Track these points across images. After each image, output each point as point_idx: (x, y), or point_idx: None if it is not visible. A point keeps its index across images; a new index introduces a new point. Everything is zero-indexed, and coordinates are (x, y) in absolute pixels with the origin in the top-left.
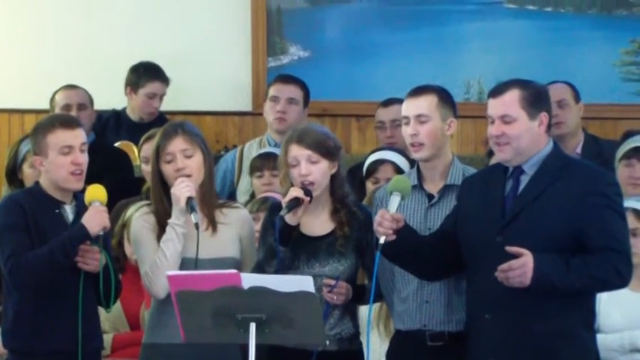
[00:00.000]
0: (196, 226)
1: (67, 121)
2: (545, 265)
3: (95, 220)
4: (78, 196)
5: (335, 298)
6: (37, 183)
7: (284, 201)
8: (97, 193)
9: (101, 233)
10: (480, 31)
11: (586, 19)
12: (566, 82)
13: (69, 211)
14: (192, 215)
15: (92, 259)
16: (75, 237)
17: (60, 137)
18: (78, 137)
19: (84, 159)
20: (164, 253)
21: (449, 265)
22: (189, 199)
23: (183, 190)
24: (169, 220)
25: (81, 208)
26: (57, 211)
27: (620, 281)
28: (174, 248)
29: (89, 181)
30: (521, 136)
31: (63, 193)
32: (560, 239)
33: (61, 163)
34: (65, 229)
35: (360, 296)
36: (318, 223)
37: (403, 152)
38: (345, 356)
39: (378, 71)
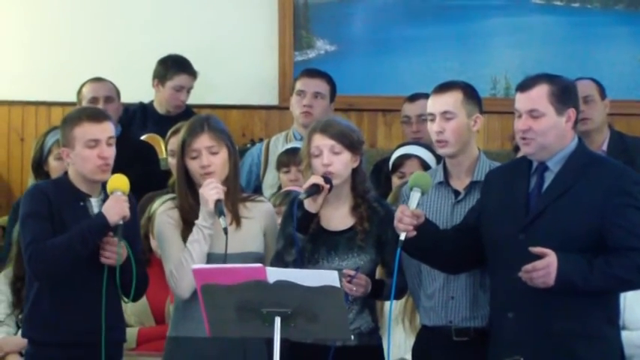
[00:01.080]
0: (225, 231)
1: (94, 115)
2: (569, 266)
3: (114, 209)
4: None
5: (354, 289)
6: (65, 174)
7: (303, 187)
8: (119, 182)
9: (120, 222)
10: (507, 27)
11: (613, 14)
12: (591, 79)
13: (94, 205)
14: (220, 219)
15: (112, 252)
16: (94, 226)
17: (86, 130)
18: (105, 131)
19: (110, 153)
20: (190, 254)
21: (471, 259)
22: (217, 202)
23: (211, 192)
24: (197, 222)
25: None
26: (82, 204)
27: None
28: (201, 249)
29: (114, 173)
30: (547, 132)
31: (90, 186)
32: (583, 238)
33: (87, 156)
34: None
35: (378, 291)
36: (338, 217)
37: (429, 147)
38: (364, 351)
39: (405, 66)
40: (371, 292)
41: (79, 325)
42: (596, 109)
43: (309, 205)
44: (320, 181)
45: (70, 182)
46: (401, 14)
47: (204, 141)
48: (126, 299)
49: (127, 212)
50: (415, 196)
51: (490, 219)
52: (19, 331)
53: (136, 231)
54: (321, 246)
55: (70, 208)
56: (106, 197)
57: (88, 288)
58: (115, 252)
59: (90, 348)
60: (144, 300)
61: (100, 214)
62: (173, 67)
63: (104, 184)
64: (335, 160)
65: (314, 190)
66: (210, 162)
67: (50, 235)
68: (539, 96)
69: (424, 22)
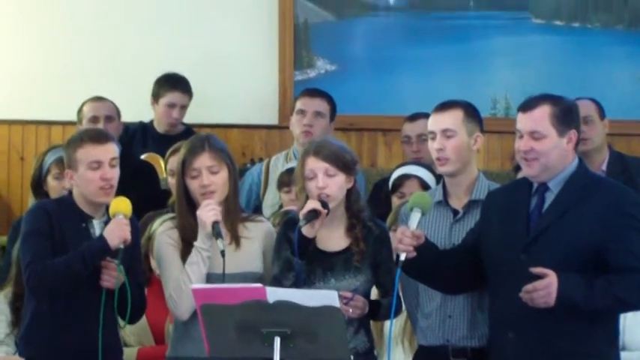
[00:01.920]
0: (222, 253)
1: (96, 136)
2: (570, 286)
3: (115, 232)
4: None
5: (351, 311)
6: (70, 193)
7: (301, 213)
8: (121, 205)
9: (121, 247)
10: (507, 46)
11: (613, 34)
12: (591, 99)
13: (96, 227)
14: (218, 242)
15: (109, 276)
16: (95, 248)
17: (89, 152)
18: (108, 152)
19: (113, 174)
20: (189, 277)
21: (470, 280)
22: (215, 224)
23: (209, 214)
24: (195, 244)
25: None
26: (83, 225)
27: None
28: (200, 272)
29: (115, 193)
30: (549, 153)
31: (93, 208)
32: (584, 258)
33: (90, 178)
34: None
35: (374, 312)
36: (333, 238)
37: (429, 167)
38: None
39: (405, 85)
40: (367, 312)
41: (76, 346)
42: (595, 130)
43: (308, 230)
44: (318, 206)
45: (74, 202)
46: (401, 34)
47: (204, 160)
48: (122, 323)
49: (128, 236)
50: (415, 217)
51: (491, 239)
52: None
53: (137, 253)
54: (317, 267)
55: (72, 229)
56: (108, 219)
57: (86, 309)
58: (114, 276)
59: None
60: (143, 319)
61: (102, 237)
62: (165, 84)
63: (108, 206)
64: (330, 183)
65: (312, 216)
66: (211, 181)
67: (50, 252)
68: (542, 117)
69: (424, 42)
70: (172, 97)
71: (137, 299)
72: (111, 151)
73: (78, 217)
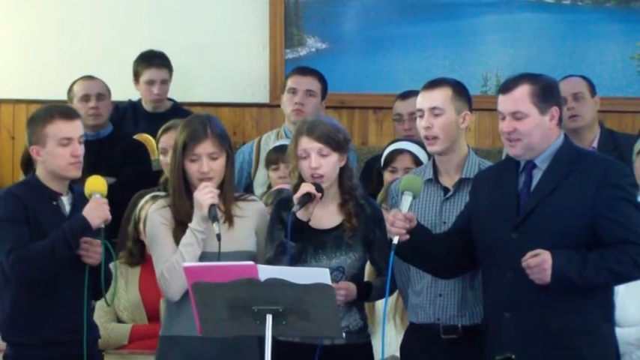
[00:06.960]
0: (218, 237)
1: (66, 112)
2: (564, 263)
3: (96, 212)
4: (74, 188)
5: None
6: (33, 174)
7: (295, 197)
8: (97, 184)
9: (102, 226)
10: (498, 24)
11: (604, 12)
12: (581, 76)
13: (66, 203)
14: (214, 225)
15: (95, 253)
16: (76, 229)
17: (60, 128)
18: (77, 129)
19: (82, 151)
20: (183, 258)
21: (462, 263)
22: (211, 207)
23: (206, 196)
24: (190, 225)
25: (77, 200)
26: (54, 203)
27: (638, 273)
28: (194, 253)
29: (108, 173)
30: (532, 132)
31: (59, 184)
32: (576, 234)
33: (60, 154)
34: (62, 221)
35: (366, 294)
36: (326, 215)
37: (421, 144)
38: (353, 349)
39: (396, 63)
40: (359, 295)
41: (58, 326)
42: (586, 106)
43: (302, 214)
44: (312, 189)
45: (40, 182)
46: (392, 12)
47: (206, 147)
48: (107, 303)
49: (108, 215)
50: (407, 200)
51: (481, 220)
52: None
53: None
54: (309, 245)
55: (44, 208)
56: (75, 196)
57: (66, 289)
58: (98, 252)
59: (69, 347)
60: (137, 297)
61: (82, 217)
62: (142, 62)
63: (71, 183)
64: (323, 163)
65: (306, 200)
66: (210, 168)
67: (28, 238)
68: (522, 97)
69: (415, 19)
70: (150, 73)
71: (107, 276)
72: (80, 128)
73: (47, 197)
